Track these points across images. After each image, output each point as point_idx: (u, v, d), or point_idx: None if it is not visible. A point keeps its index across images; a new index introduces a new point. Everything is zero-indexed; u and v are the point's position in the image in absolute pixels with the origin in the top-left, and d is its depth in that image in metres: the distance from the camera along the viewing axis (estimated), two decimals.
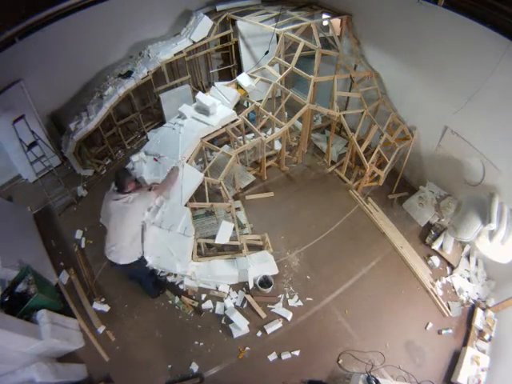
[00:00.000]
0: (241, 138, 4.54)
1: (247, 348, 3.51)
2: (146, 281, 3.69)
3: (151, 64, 5.13)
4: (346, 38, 4.93)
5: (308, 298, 3.85)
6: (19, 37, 4.25)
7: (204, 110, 4.10)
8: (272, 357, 3.45)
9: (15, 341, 2.74)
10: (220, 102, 4.27)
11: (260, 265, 3.83)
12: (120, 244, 3.04)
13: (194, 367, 3.40)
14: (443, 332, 3.56)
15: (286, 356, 3.45)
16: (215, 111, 4.08)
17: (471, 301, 3.84)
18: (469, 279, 4.01)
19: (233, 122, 4.22)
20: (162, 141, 3.96)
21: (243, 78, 4.43)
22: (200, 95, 4.18)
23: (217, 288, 3.88)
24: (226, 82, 4.51)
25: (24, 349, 2.86)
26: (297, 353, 3.48)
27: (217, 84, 4.40)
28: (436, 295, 3.82)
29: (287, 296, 3.87)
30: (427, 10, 3.57)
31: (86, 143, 5.12)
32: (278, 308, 3.77)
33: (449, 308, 3.76)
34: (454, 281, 3.96)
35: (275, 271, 3.95)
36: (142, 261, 3.21)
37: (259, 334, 3.60)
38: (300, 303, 3.82)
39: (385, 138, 4.46)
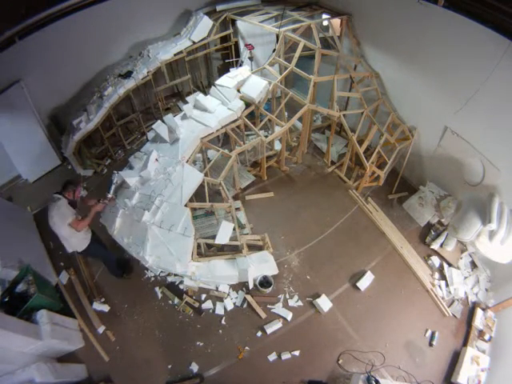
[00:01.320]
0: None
1: (247, 348, 3.51)
2: (107, 262, 3.88)
3: (151, 64, 5.14)
4: (345, 38, 4.93)
5: (308, 298, 3.85)
6: (19, 37, 4.25)
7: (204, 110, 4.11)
8: (272, 357, 3.45)
9: (15, 341, 2.74)
10: (220, 102, 4.27)
11: (260, 265, 3.82)
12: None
13: (194, 367, 3.40)
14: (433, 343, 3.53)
15: (285, 356, 3.45)
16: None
17: (470, 300, 3.84)
18: (466, 278, 4.01)
19: (233, 121, 4.22)
20: (162, 141, 3.95)
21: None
22: (200, 97, 4.18)
23: (217, 288, 3.88)
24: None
25: (24, 349, 2.86)
26: (297, 353, 3.48)
27: (218, 81, 4.38)
28: (436, 295, 3.82)
29: (287, 296, 3.87)
30: (427, 10, 3.57)
31: (85, 143, 5.13)
32: (278, 308, 3.77)
33: (448, 308, 3.76)
34: (453, 277, 3.96)
35: (275, 271, 3.95)
36: (87, 250, 3.47)
37: (259, 334, 3.60)
38: (300, 303, 3.82)
39: (385, 138, 4.46)
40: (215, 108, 4.17)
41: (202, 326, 3.68)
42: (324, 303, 3.71)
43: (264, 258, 3.92)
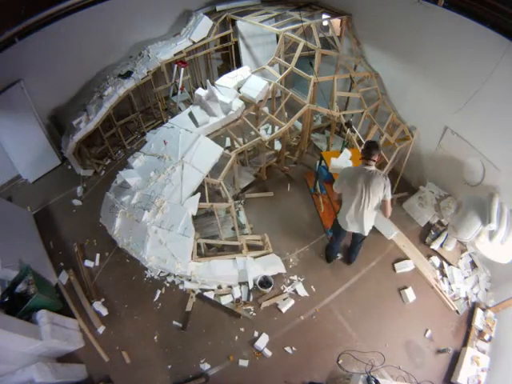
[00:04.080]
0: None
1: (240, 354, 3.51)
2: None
3: (151, 64, 5.13)
4: (345, 38, 4.93)
5: (308, 299, 3.85)
6: (19, 37, 4.26)
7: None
8: (272, 357, 3.45)
9: (15, 341, 2.74)
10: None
11: (269, 267, 3.87)
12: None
13: (195, 367, 3.40)
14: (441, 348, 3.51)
15: (286, 356, 3.45)
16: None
17: (470, 300, 3.84)
18: (466, 278, 4.01)
19: (233, 121, 4.22)
20: (162, 141, 3.95)
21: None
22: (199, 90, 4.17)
23: (219, 287, 3.88)
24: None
25: (24, 349, 2.86)
26: (297, 353, 3.48)
27: (218, 81, 4.37)
28: (441, 290, 3.83)
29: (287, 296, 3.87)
30: (427, 10, 3.57)
31: (85, 143, 5.12)
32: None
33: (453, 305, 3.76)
34: (454, 275, 3.97)
35: (283, 270, 3.98)
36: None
37: (256, 334, 3.60)
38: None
39: (385, 138, 4.46)
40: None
41: (202, 326, 3.68)
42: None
43: (272, 261, 3.97)
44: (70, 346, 3.38)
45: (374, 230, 4.38)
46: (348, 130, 4.21)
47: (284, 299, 3.82)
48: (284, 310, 3.73)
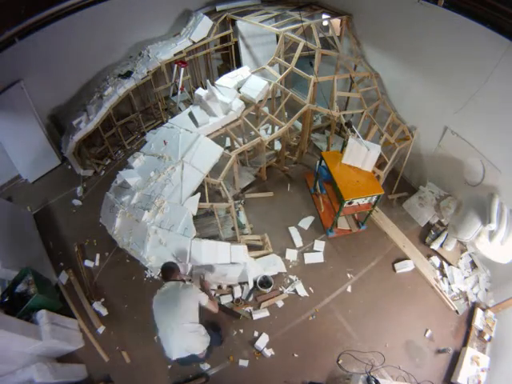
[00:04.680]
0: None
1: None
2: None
3: (151, 64, 5.13)
4: (346, 38, 4.93)
5: (308, 299, 3.85)
6: (19, 37, 4.26)
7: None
8: (272, 357, 3.45)
9: (15, 341, 2.74)
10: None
11: (269, 267, 3.88)
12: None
13: (195, 367, 3.39)
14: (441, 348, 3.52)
15: (286, 356, 3.45)
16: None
17: (470, 300, 3.84)
18: (466, 278, 4.02)
19: (233, 121, 4.22)
20: (161, 141, 3.95)
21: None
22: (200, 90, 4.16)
23: (219, 287, 3.88)
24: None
25: (24, 349, 2.86)
26: (297, 353, 3.48)
27: (218, 81, 4.37)
28: (441, 290, 3.83)
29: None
30: (427, 10, 3.57)
31: (85, 143, 5.12)
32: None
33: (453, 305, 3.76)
34: (454, 275, 3.97)
35: (284, 269, 3.99)
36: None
37: (256, 334, 3.60)
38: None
39: (385, 138, 4.46)
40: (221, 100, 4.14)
41: None
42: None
43: (272, 261, 3.98)
44: (69, 345, 3.38)
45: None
46: (348, 130, 4.21)
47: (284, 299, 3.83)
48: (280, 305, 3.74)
